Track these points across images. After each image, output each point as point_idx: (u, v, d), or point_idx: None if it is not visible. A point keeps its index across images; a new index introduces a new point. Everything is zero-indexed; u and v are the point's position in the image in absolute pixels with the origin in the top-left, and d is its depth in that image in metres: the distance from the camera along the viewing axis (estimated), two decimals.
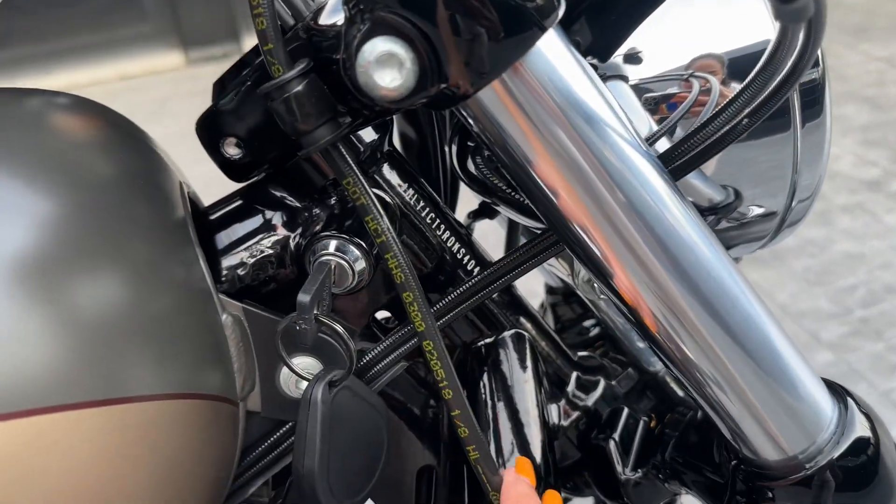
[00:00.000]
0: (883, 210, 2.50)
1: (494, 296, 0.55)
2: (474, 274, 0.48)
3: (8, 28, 3.29)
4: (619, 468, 0.52)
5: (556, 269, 0.64)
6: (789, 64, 0.37)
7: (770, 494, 0.42)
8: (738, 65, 0.46)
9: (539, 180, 0.38)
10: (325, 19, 0.40)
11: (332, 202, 0.49)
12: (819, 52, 0.41)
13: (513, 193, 0.52)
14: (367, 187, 0.41)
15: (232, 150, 0.46)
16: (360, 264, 0.47)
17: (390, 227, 0.42)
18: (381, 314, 0.54)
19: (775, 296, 2.13)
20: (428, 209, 0.52)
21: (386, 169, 0.51)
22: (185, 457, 0.39)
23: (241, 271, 0.48)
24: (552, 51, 0.36)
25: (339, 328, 0.44)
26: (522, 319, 0.57)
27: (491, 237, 0.68)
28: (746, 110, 0.39)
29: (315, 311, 0.42)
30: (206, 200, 0.53)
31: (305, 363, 0.46)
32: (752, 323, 0.40)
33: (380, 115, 0.42)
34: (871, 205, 2.53)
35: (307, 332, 0.42)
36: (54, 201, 0.38)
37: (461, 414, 0.43)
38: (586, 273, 0.57)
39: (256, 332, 0.47)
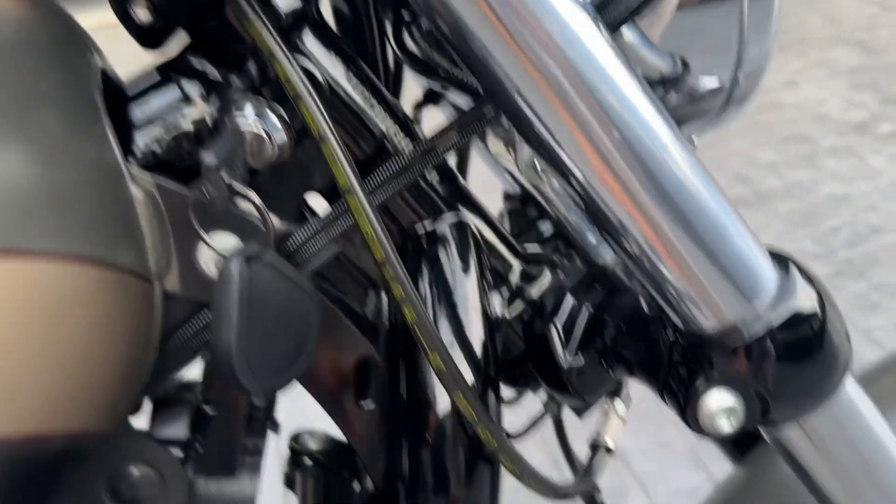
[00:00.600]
0: (870, 152, 2.47)
1: (437, 184, 0.53)
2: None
3: None
4: (560, 354, 0.51)
5: (509, 163, 0.62)
6: None
7: (710, 363, 0.41)
8: None
9: (475, 40, 0.36)
10: None
11: (253, 73, 0.46)
12: None
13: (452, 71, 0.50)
14: (286, 51, 0.39)
15: (143, 14, 0.44)
16: (281, 136, 0.45)
17: (312, 90, 0.39)
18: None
19: (760, 237, 2.12)
20: (363, 89, 0.50)
21: (313, 42, 0.48)
22: (94, 330, 0.38)
23: (156, 147, 0.46)
24: None
25: (255, 198, 0.41)
26: (466, 210, 0.55)
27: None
28: None
29: (227, 180, 0.40)
30: None
31: (224, 241, 0.44)
32: (689, 183, 0.38)
33: None
34: (858, 147, 2.51)
35: (217, 200, 0.40)
36: None
37: (402, 290, 0.41)
38: (528, 154, 0.55)
39: (172, 210, 0.45)
